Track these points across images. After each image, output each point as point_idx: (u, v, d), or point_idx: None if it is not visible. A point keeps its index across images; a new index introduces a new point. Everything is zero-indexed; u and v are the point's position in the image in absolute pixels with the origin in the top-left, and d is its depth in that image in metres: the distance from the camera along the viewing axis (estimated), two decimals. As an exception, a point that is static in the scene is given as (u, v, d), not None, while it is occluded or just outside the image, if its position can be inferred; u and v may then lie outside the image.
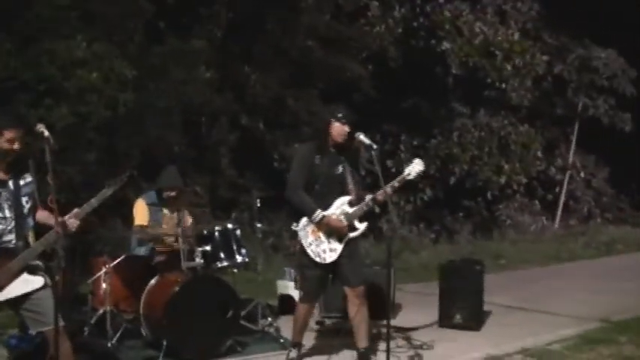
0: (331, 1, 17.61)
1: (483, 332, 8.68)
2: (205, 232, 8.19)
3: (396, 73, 18.66)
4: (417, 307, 9.79)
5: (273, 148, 16.43)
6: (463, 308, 8.77)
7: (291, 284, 10.30)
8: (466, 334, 8.49)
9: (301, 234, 6.80)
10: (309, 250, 6.73)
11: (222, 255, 8.09)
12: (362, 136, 6.63)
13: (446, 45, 18.83)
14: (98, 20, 12.09)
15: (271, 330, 8.41)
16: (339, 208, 6.73)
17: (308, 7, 16.94)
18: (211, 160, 15.70)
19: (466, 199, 19.39)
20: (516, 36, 19.54)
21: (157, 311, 7.39)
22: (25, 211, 5.53)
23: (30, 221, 5.58)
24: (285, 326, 8.56)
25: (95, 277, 8.18)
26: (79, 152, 11.26)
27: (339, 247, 6.70)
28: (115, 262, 8.10)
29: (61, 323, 5.30)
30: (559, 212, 21.56)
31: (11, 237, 5.43)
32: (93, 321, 7.93)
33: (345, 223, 6.69)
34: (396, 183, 6.71)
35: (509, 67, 19.16)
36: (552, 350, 7.76)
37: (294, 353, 7.12)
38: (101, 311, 7.93)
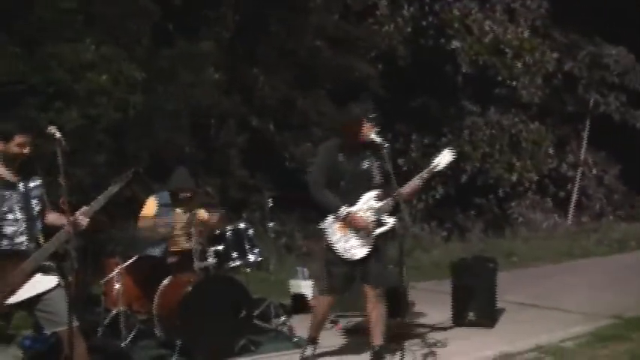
0: (339, 0, 17.60)
1: (496, 330, 8.64)
2: (218, 231, 8.20)
3: (405, 72, 18.64)
4: (429, 305, 9.75)
5: (283, 148, 16.43)
6: (476, 306, 8.73)
7: (304, 283, 10.32)
8: (479, 332, 8.46)
9: (328, 231, 6.77)
10: (337, 247, 6.69)
11: (234, 254, 8.11)
12: (373, 135, 6.61)
13: (455, 43, 18.81)
14: (106, 23, 12.11)
15: (284, 329, 8.41)
16: (366, 203, 6.68)
17: (316, 7, 16.95)
18: (220, 162, 15.71)
19: (478, 197, 19.36)
20: (526, 34, 19.52)
21: (170, 311, 7.40)
22: (35, 213, 5.55)
23: (39, 224, 5.61)
24: (299, 325, 8.57)
25: (108, 277, 8.20)
26: (89, 154, 11.30)
27: (368, 243, 6.66)
28: (127, 263, 8.13)
29: (76, 323, 5.31)
30: (571, 209, 21.49)
31: (23, 239, 5.46)
32: (106, 322, 7.96)
33: (371, 220, 6.64)
34: (424, 174, 6.68)
35: (519, 65, 19.14)
36: (565, 347, 7.71)
37: (310, 350, 7.11)
38: (114, 312, 7.96)
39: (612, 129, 21.10)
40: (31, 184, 5.58)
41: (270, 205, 9.35)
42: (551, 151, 20.38)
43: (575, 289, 11.14)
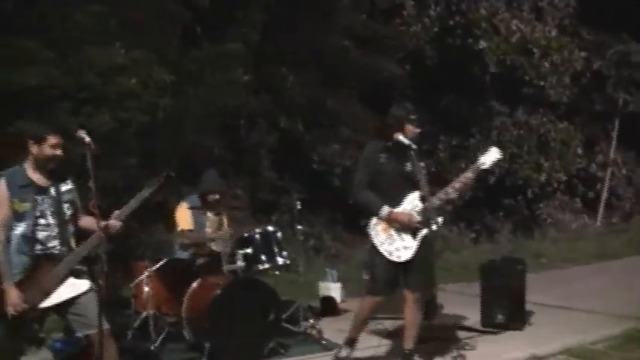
0: (367, 0, 17.60)
1: (526, 332, 8.62)
2: (247, 234, 8.23)
3: (432, 73, 18.61)
4: (458, 307, 9.74)
5: (311, 149, 16.43)
6: (505, 308, 8.71)
7: (333, 285, 10.34)
8: (509, 334, 8.45)
9: (372, 233, 6.75)
10: (381, 249, 6.67)
11: (263, 257, 8.13)
12: (401, 137, 6.61)
13: (483, 43, 18.74)
14: (136, 27, 12.19)
15: (313, 332, 8.43)
16: (411, 203, 6.67)
17: (343, 6, 16.95)
18: (250, 163, 15.74)
19: (506, 198, 19.26)
20: (553, 33, 19.39)
21: (199, 314, 7.44)
22: (67, 217, 5.61)
23: (71, 228, 5.66)
24: (327, 328, 8.60)
25: (137, 281, 8.27)
26: (120, 157, 11.36)
27: (414, 244, 6.64)
28: (156, 266, 8.18)
29: (106, 326, 5.36)
30: (600, 210, 21.31)
31: (55, 243, 5.52)
32: (136, 324, 8.02)
33: (415, 216, 6.64)
34: (470, 174, 6.67)
35: (546, 65, 19.03)
36: (596, 350, 7.68)
37: (345, 352, 7.06)
38: (144, 315, 8.03)
39: (642, 128, 20.94)
40: (63, 189, 5.64)
41: (299, 207, 9.36)
42: (579, 151, 20.21)
43: (605, 290, 11.07)
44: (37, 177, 5.56)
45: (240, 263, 7.87)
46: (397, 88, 17.38)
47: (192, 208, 8.60)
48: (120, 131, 11.17)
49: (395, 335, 7.99)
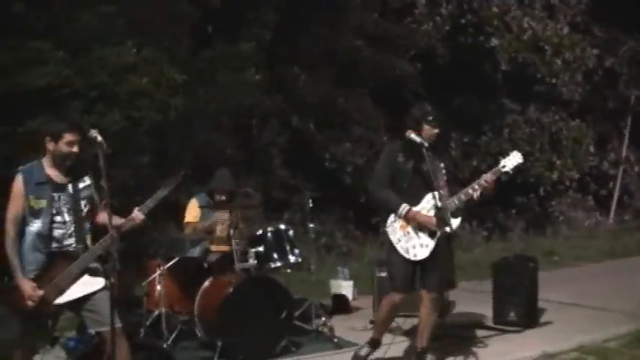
0: (378, -1, 17.62)
1: (538, 330, 8.61)
2: (259, 232, 8.24)
3: (444, 71, 18.57)
4: (471, 305, 9.73)
5: (323, 148, 16.43)
6: (517, 305, 8.70)
7: (345, 283, 10.34)
8: (521, 332, 8.44)
9: (389, 230, 6.75)
10: (398, 247, 6.66)
11: (275, 255, 8.15)
12: (413, 135, 6.61)
13: (494, 41, 18.69)
14: (146, 26, 12.21)
15: (325, 330, 8.43)
16: (429, 203, 6.66)
17: (355, 5, 16.95)
18: (263, 162, 15.76)
19: (518, 196, 19.21)
20: (565, 30, 19.33)
21: (211, 312, 7.46)
22: (84, 214, 5.63)
23: (88, 224, 5.68)
24: (339, 326, 8.61)
25: (149, 279, 8.30)
26: (132, 156, 11.39)
27: (430, 243, 6.63)
28: (168, 265, 8.21)
29: (119, 324, 5.38)
30: (613, 207, 21.24)
31: (71, 241, 5.55)
32: (148, 322, 8.04)
33: (433, 218, 6.63)
34: (491, 175, 6.67)
35: (559, 62, 18.96)
36: (609, 347, 7.66)
37: (364, 350, 7.05)
38: (156, 313, 8.05)
39: (655, 125, 20.88)
40: (80, 185, 5.66)
41: (311, 205, 9.36)
42: (592, 148, 20.14)
43: (617, 288, 11.03)
44: (54, 174, 5.58)
45: (252, 261, 7.89)
46: (409, 86, 17.37)
47: (201, 207, 8.64)
48: (132, 130, 11.20)
49: (408, 333, 8.00)
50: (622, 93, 20.99)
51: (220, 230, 8.66)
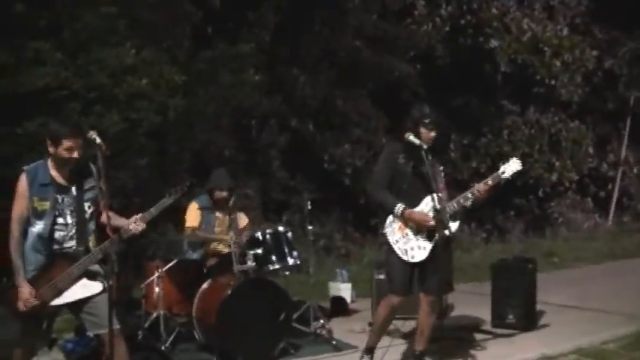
0: (378, 1, 17.59)
1: (537, 332, 8.61)
2: (258, 234, 8.23)
3: (444, 72, 18.58)
4: (469, 307, 9.73)
5: (323, 149, 16.44)
6: (516, 307, 8.70)
7: (343, 286, 10.34)
8: (519, 334, 8.44)
9: (387, 231, 6.70)
10: (396, 248, 6.62)
11: (273, 258, 8.14)
12: (412, 137, 6.59)
13: (494, 42, 18.71)
14: (146, 27, 12.21)
15: (324, 332, 8.43)
16: (428, 205, 6.63)
17: (355, 7, 16.95)
18: (262, 163, 15.78)
19: (517, 198, 19.23)
20: (565, 31, 19.35)
21: (209, 315, 7.45)
22: (87, 216, 5.63)
23: (92, 226, 5.68)
24: (338, 328, 8.61)
25: (148, 281, 8.29)
26: (131, 157, 11.39)
27: (428, 245, 6.57)
28: (167, 267, 8.20)
29: (117, 326, 5.38)
30: (612, 209, 21.25)
31: (72, 243, 5.54)
32: (146, 325, 8.04)
33: (429, 217, 6.60)
34: (489, 181, 6.64)
35: (558, 63, 18.97)
36: (607, 349, 7.66)
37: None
38: (154, 315, 8.04)
39: (654, 127, 20.89)
40: (85, 186, 5.65)
41: (309, 207, 9.35)
42: (591, 150, 20.15)
43: (616, 290, 11.04)
44: (58, 175, 5.56)
45: (250, 263, 7.88)
46: (408, 87, 17.38)
47: (202, 208, 8.63)
48: (130, 132, 11.20)
49: (407, 335, 7.99)
50: (621, 94, 21.02)
51: (219, 233, 8.65)
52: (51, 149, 5.49)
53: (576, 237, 18.06)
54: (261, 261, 8.04)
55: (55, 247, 5.50)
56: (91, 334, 5.96)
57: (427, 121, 6.67)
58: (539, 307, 9.06)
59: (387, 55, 17.35)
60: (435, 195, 6.48)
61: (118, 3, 11.32)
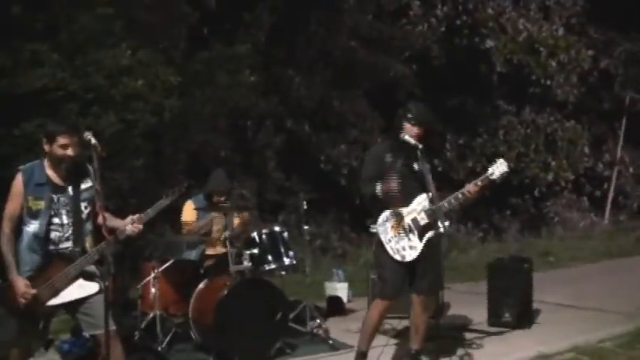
0: (373, 1, 17.60)
1: (533, 330, 8.63)
2: (254, 234, 8.24)
3: (439, 72, 18.61)
4: (466, 306, 9.74)
5: (319, 150, 16.46)
6: (512, 307, 8.71)
7: (340, 285, 10.34)
8: (516, 333, 8.46)
9: (380, 229, 6.64)
10: (388, 247, 6.57)
11: (269, 258, 8.14)
12: (407, 136, 6.59)
13: (489, 43, 18.73)
14: (142, 28, 12.21)
15: (320, 331, 8.44)
16: (420, 204, 6.63)
17: (350, 7, 16.95)
18: (258, 164, 15.79)
19: (513, 197, 19.27)
20: (561, 32, 19.39)
21: (206, 315, 7.45)
22: (84, 216, 5.62)
23: (88, 226, 5.68)
24: (334, 327, 8.61)
25: (144, 281, 8.29)
26: (127, 158, 11.39)
27: (419, 245, 6.55)
28: (163, 267, 8.20)
29: (113, 327, 5.38)
30: (608, 208, 21.30)
31: (68, 244, 5.53)
32: (143, 325, 8.03)
33: (424, 222, 6.56)
34: (479, 182, 6.65)
35: (554, 64, 19.00)
36: (604, 348, 7.68)
37: None
38: (151, 315, 8.04)
39: (649, 126, 20.91)
40: (82, 187, 5.64)
41: (305, 207, 9.34)
42: (587, 149, 20.19)
43: (613, 288, 11.07)
44: (54, 175, 5.56)
45: (246, 263, 7.87)
46: (404, 88, 17.38)
47: (197, 209, 8.63)
48: (126, 133, 11.19)
49: (403, 335, 7.99)
50: (617, 94, 21.06)
51: (215, 232, 8.66)
52: (46, 147, 5.49)
53: (572, 236, 18.10)
54: (258, 261, 8.04)
55: (51, 247, 5.49)
56: (87, 334, 5.97)
57: (410, 116, 6.64)
58: (535, 306, 9.08)
59: (383, 56, 17.37)
60: (427, 194, 6.52)
61: (114, 4, 11.31)
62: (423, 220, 6.58)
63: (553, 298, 10.17)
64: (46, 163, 5.56)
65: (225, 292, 7.39)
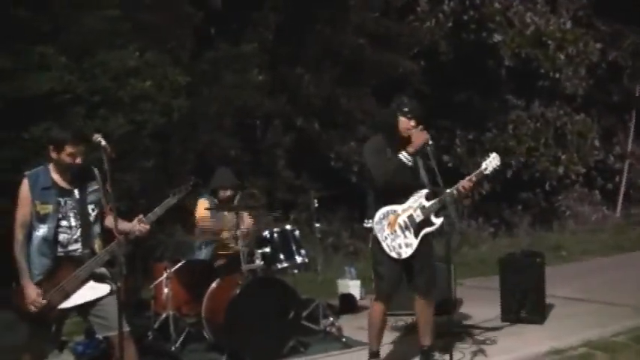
0: (380, -2, 17.61)
1: (546, 325, 8.59)
2: (266, 233, 8.24)
3: (447, 68, 18.57)
4: (478, 302, 9.73)
5: (328, 147, 16.45)
6: (525, 301, 8.69)
7: (352, 283, 10.33)
8: (529, 328, 8.42)
9: (376, 227, 6.64)
10: (384, 245, 6.58)
11: (281, 256, 8.15)
12: (414, 132, 6.58)
13: (497, 37, 18.64)
14: (149, 29, 12.22)
15: (333, 330, 8.43)
16: (417, 201, 6.62)
17: (356, 4, 16.93)
18: (267, 163, 15.78)
19: (524, 192, 19.21)
20: (568, 24, 19.29)
21: (218, 314, 7.45)
22: (92, 219, 5.64)
23: (97, 228, 5.70)
24: (347, 325, 8.60)
25: (157, 282, 8.31)
26: (136, 160, 11.40)
27: (414, 242, 6.57)
28: (175, 267, 8.21)
29: (126, 328, 5.39)
30: (619, 201, 21.21)
31: (77, 246, 5.55)
32: (156, 325, 8.05)
33: (419, 219, 6.58)
34: (472, 177, 6.66)
35: (562, 57, 18.90)
36: (617, 342, 7.64)
37: None
38: (164, 315, 8.06)
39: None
40: (89, 189, 5.66)
41: (316, 205, 9.34)
42: (597, 142, 20.09)
43: (625, 282, 11.00)
44: (59, 179, 5.59)
45: (258, 262, 7.88)
46: (412, 84, 17.36)
47: (208, 209, 8.64)
48: (135, 134, 11.20)
49: (415, 331, 7.98)
50: (626, 86, 20.99)
51: (227, 232, 8.66)
52: (53, 155, 5.52)
53: (584, 230, 18.02)
54: (269, 260, 8.05)
55: (60, 249, 5.51)
56: (99, 336, 5.98)
57: (406, 110, 6.63)
58: (547, 300, 9.03)
59: (390, 52, 17.34)
60: (423, 191, 6.54)
61: (120, 6, 11.32)
62: (419, 217, 6.59)
63: (565, 293, 10.13)
64: (51, 167, 5.58)
65: (238, 292, 7.39)
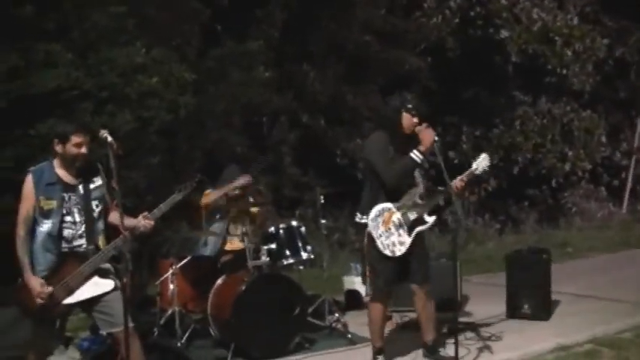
0: (386, -5, 17.59)
1: (552, 322, 8.60)
2: (272, 229, 8.25)
3: (454, 64, 18.54)
4: (484, 299, 9.74)
5: (335, 144, 16.45)
6: (531, 298, 8.70)
7: (358, 279, 10.31)
8: (535, 324, 8.43)
9: (371, 225, 6.68)
10: (378, 242, 6.63)
11: (287, 252, 8.17)
12: (418, 129, 6.60)
13: (504, 33, 18.61)
14: (155, 26, 12.23)
15: (339, 326, 8.45)
16: (411, 199, 6.66)
17: (363, 1, 16.92)
18: (273, 160, 15.78)
19: (530, 188, 19.16)
20: (575, 21, 19.23)
21: (224, 310, 7.48)
22: (96, 214, 5.67)
23: (101, 224, 5.72)
24: (353, 322, 8.61)
25: (162, 278, 8.34)
26: (143, 156, 11.41)
27: (407, 240, 6.63)
28: (181, 264, 8.23)
29: (131, 324, 5.40)
30: (626, 198, 21.14)
31: (82, 241, 5.57)
32: (162, 322, 8.09)
33: (413, 217, 6.62)
34: (464, 178, 6.70)
35: (569, 53, 18.86)
36: (623, 338, 7.65)
37: None
38: (169, 312, 8.08)
39: (666, 115, 20.79)
40: (92, 186, 5.68)
41: (322, 202, 9.34)
42: (603, 139, 20.02)
43: (631, 279, 10.98)
44: (64, 174, 5.62)
45: (264, 259, 7.89)
46: (419, 81, 17.35)
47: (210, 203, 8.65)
48: (142, 130, 11.20)
49: (417, 326, 7.99)
50: (633, 83, 20.91)
51: (233, 228, 8.66)
52: (58, 148, 5.54)
53: (590, 226, 17.96)
54: (275, 256, 8.07)
55: (64, 245, 5.53)
56: (104, 332, 6.00)
57: (410, 106, 6.67)
58: (553, 297, 9.05)
59: (397, 49, 17.32)
60: (418, 189, 6.57)
61: (127, 2, 11.33)
62: (413, 215, 6.61)
63: (571, 289, 10.13)
64: (55, 162, 5.61)
65: (244, 288, 7.42)
